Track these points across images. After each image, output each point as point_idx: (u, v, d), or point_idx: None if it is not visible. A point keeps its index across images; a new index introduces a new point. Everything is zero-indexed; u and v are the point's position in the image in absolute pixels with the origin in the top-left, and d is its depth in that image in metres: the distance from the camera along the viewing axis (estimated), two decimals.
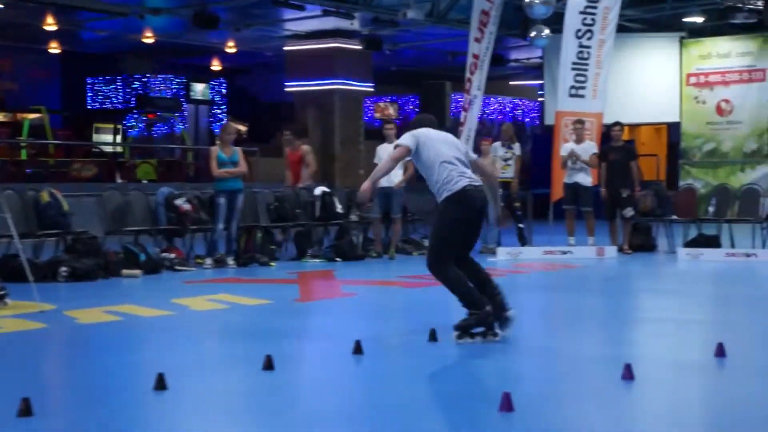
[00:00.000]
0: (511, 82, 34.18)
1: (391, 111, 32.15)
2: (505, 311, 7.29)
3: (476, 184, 7.24)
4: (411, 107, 32.52)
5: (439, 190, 7.20)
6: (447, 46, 26.39)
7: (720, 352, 6.38)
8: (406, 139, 7.30)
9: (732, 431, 4.80)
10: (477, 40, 16.36)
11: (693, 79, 23.19)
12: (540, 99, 32.40)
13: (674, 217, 15.55)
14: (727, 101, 22.78)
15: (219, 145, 13.42)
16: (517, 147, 15.65)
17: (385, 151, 14.56)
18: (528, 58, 29.41)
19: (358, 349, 6.61)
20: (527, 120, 34.78)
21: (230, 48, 26.25)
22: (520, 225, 15.52)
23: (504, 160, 15.49)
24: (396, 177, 14.43)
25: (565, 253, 14.50)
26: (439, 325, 7.33)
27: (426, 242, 15.69)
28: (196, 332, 7.96)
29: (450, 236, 7.23)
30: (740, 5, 21.20)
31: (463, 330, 7.14)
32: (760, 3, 20.62)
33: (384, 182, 14.49)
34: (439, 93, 17.05)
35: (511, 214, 15.68)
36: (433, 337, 7.13)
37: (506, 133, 15.78)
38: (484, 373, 6.30)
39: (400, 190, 14.58)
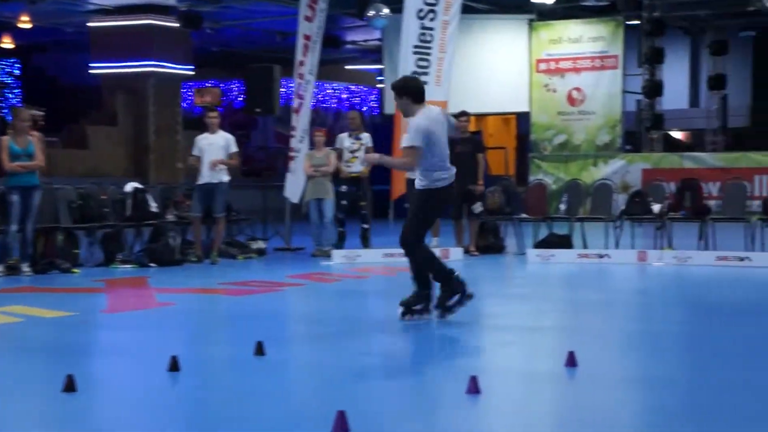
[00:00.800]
0: (347, 67, 34.37)
1: (213, 97, 31.83)
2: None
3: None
4: (236, 93, 32.32)
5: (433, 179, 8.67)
6: (275, 25, 26.33)
7: (571, 361, 6.59)
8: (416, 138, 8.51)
9: None
10: (308, 18, 16.39)
11: (543, 66, 23.88)
12: (379, 85, 32.73)
13: (524, 215, 15.94)
14: (578, 90, 23.57)
15: (11, 135, 12.95)
16: (366, 137, 15.45)
17: (206, 142, 14.43)
18: (366, 40, 29.65)
19: (174, 366, 6.51)
20: (365, 109, 35.05)
21: (24, 23, 25.39)
22: (365, 225, 15.53)
23: (351, 152, 15.42)
24: (221, 172, 14.30)
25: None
26: (267, 337, 7.30)
27: (253, 244, 15.63)
28: None
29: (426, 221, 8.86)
30: None
31: (444, 307, 8.75)
32: None
33: (206, 176, 14.35)
34: (267, 77, 16.94)
35: (356, 213, 15.63)
36: (259, 350, 7.10)
37: (353, 122, 15.63)
38: (314, 390, 6.30)
39: (224, 185, 14.44)
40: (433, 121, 8.73)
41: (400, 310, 8.83)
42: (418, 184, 8.78)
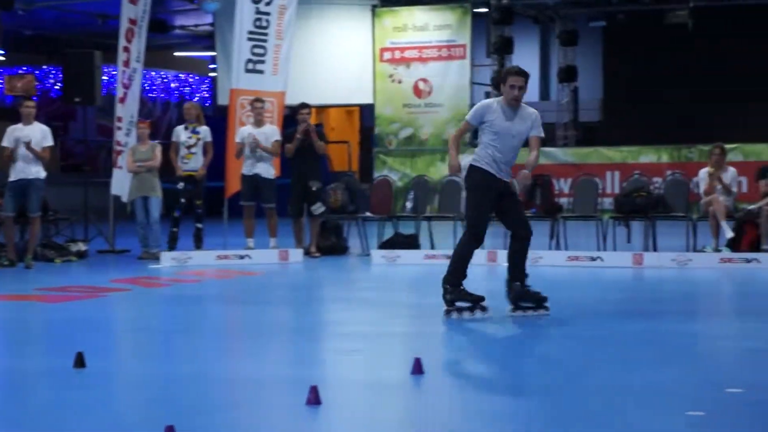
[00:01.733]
0: (176, 53, 33.96)
1: (27, 85, 30.97)
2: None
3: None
4: (52, 81, 31.53)
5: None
6: (95, 6, 25.81)
7: (417, 368, 6.66)
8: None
9: None
10: (132, 1, 16.15)
11: (387, 55, 24.04)
12: (212, 74, 32.45)
13: (368, 214, 16.02)
14: (425, 81, 23.82)
15: None
16: (204, 131, 15.26)
17: (19, 134, 14.04)
18: (196, 25, 29.35)
19: None
20: (196, 99, 34.68)
21: None
22: (198, 225, 15.33)
23: (188, 148, 15.20)
24: (36, 167, 13.95)
25: (242, 257, 14.59)
26: (88, 348, 7.15)
27: (73, 246, 15.30)
28: None
29: None
30: None
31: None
32: None
33: (19, 172, 14.00)
34: (87, 64, 16.58)
35: (192, 212, 15.45)
36: (79, 362, 6.94)
37: (190, 114, 15.37)
38: (140, 403, 6.21)
39: (39, 182, 14.08)
40: None
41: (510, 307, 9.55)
42: (527, 181, 9.53)
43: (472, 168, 9.60)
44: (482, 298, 9.43)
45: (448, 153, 9.89)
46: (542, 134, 9.53)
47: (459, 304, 9.38)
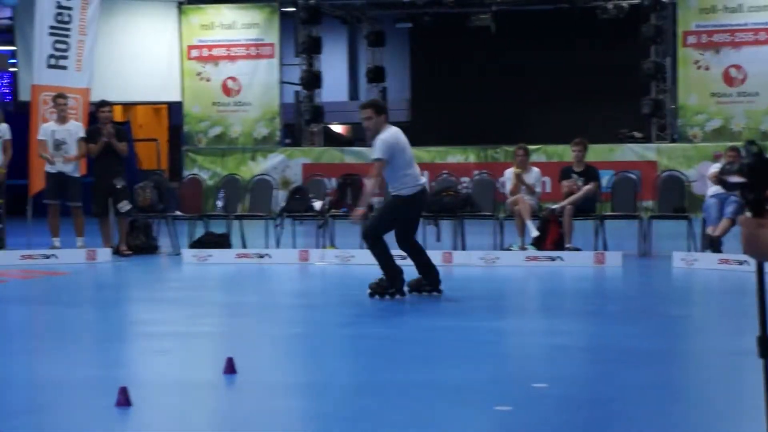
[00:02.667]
0: None
1: None
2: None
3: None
4: None
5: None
6: None
7: (230, 368, 6.62)
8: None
9: None
10: None
11: (195, 53, 23.83)
12: (12, 69, 31.50)
13: (178, 212, 15.84)
14: (233, 79, 23.69)
15: None
16: (3, 129, 14.83)
17: None
18: None
19: None
20: None
21: None
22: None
23: None
24: None
25: (48, 257, 14.21)
26: None
27: None
28: None
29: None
30: None
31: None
32: None
33: None
34: None
35: None
36: None
37: None
38: None
39: None
40: (395, 135, 10.41)
41: (368, 291, 10.41)
42: (393, 192, 10.60)
43: None
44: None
45: None
46: (375, 156, 10.27)
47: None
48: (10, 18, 25.26)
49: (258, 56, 23.69)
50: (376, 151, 10.28)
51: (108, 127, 14.87)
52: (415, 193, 10.51)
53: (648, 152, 21.60)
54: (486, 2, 24.86)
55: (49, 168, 14.64)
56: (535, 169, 14.94)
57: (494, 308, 10.56)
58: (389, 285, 10.40)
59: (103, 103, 15.26)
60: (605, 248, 14.00)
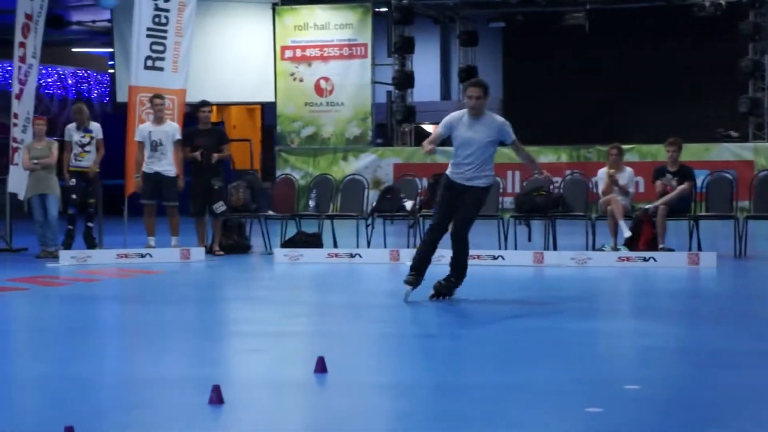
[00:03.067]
0: (74, 50, 33.45)
1: None
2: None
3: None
4: None
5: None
6: None
7: (321, 367, 6.66)
8: None
9: None
10: None
11: (288, 53, 24.00)
12: (110, 71, 32.04)
13: (270, 212, 15.96)
14: (326, 79, 23.81)
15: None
16: (96, 128, 15.24)
17: None
18: (94, 21, 28.93)
19: None
20: (95, 95, 34.20)
21: None
22: (90, 224, 15.23)
23: (81, 146, 15.09)
24: None
25: (143, 256, 14.43)
26: None
27: None
28: None
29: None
30: None
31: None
32: None
33: None
34: None
35: (83, 210, 15.32)
36: None
37: (80, 114, 15.35)
38: (38, 405, 6.12)
39: None
40: None
41: (432, 292, 10.30)
42: (484, 182, 10.22)
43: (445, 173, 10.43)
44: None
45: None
46: (513, 137, 10.33)
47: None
48: (108, 20, 25.71)
49: (351, 56, 23.77)
50: (512, 132, 10.30)
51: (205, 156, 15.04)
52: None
53: (745, 152, 21.25)
54: (580, 1, 24.67)
55: (145, 168, 14.86)
56: (629, 169, 14.77)
57: (585, 309, 10.45)
58: (456, 283, 10.37)
59: (204, 104, 15.48)
60: (699, 249, 13.80)
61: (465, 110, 10.22)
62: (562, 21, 25.46)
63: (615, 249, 14.04)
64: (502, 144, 10.57)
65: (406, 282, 10.25)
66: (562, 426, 5.51)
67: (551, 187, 15.23)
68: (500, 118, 10.30)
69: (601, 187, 14.54)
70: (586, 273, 13.16)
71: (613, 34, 27.21)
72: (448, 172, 10.29)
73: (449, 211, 10.29)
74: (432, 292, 10.26)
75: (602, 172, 14.65)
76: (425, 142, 10.22)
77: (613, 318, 10.12)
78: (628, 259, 13.61)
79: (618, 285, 12.74)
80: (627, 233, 14.00)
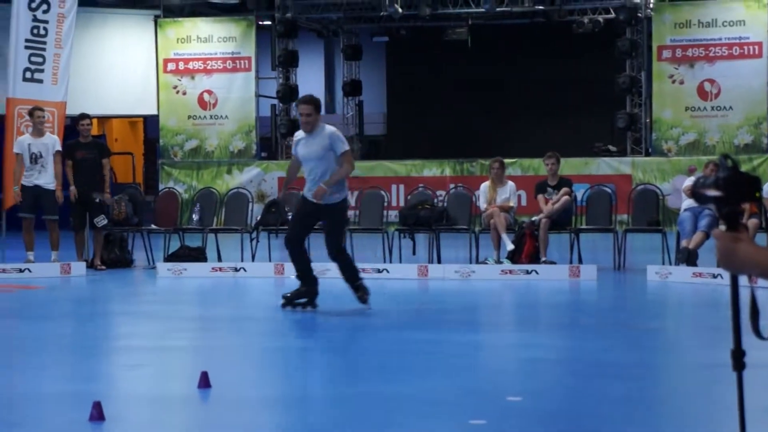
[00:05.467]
0: None
1: None
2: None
3: None
4: None
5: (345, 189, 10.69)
6: None
7: (204, 382, 6.59)
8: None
9: None
10: None
11: (171, 66, 23.81)
12: None
13: (153, 226, 15.80)
14: (210, 92, 23.68)
15: None
16: None
17: None
18: None
19: None
20: None
21: None
22: None
23: None
24: None
25: (22, 270, 14.15)
26: None
27: None
28: None
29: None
30: None
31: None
32: None
33: None
34: None
35: None
36: None
37: None
38: None
39: None
40: None
41: (282, 301, 10.44)
42: (337, 197, 10.36)
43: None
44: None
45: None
46: (345, 148, 10.33)
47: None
48: None
49: (234, 69, 23.69)
50: (341, 143, 10.30)
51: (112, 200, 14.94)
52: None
53: (623, 166, 21.71)
54: (462, 16, 24.93)
55: (24, 181, 14.57)
56: (511, 183, 14.96)
57: (469, 321, 10.56)
58: (305, 294, 10.54)
59: (83, 116, 15.27)
60: (580, 262, 14.01)
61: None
62: (444, 36, 25.72)
63: (498, 262, 14.18)
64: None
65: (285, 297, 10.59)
66: None
67: (435, 200, 15.36)
68: (331, 129, 10.45)
69: (483, 201, 14.67)
70: (469, 286, 13.27)
71: (495, 49, 27.55)
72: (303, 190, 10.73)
73: (304, 223, 10.80)
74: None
75: (484, 186, 14.80)
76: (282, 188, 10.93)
77: (496, 330, 10.23)
78: (510, 272, 13.76)
79: (501, 297, 12.89)
80: (510, 246, 14.16)
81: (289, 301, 10.44)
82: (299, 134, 10.52)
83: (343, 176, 10.47)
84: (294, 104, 25.27)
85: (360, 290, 10.58)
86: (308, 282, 10.50)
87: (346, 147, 10.38)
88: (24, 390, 6.88)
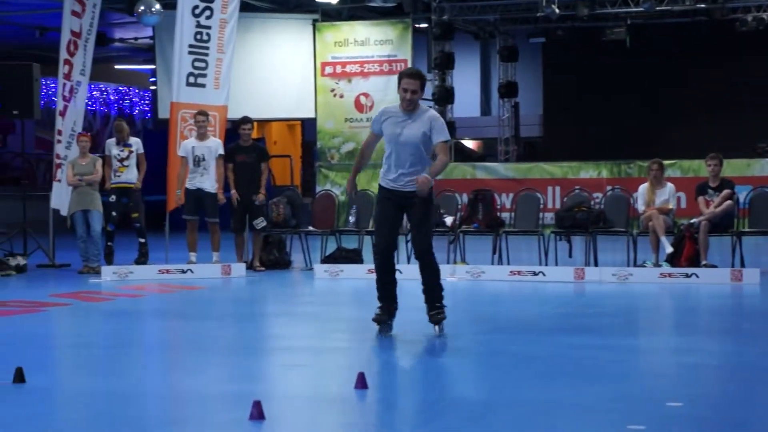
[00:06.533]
0: (116, 66, 33.75)
1: None
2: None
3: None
4: None
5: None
6: (34, 19, 25.59)
7: (361, 383, 6.66)
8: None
9: None
10: (76, 13, 16.08)
11: (329, 69, 24.07)
12: (152, 87, 32.26)
13: (310, 228, 16.01)
14: (366, 95, 23.85)
15: None
16: (136, 142, 15.43)
17: None
18: (136, 38, 29.19)
19: None
20: (136, 112, 34.48)
21: None
22: (142, 240, 15.40)
23: (120, 161, 15.26)
24: None
25: (184, 271, 14.52)
26: (27, 363, 7.08)
27: (12, 260, 15.14)
28: None
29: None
30: None
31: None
32: None
33: None
34: (25, 77, 16.37)
35: (128, 226, 15.49)
36: (19, 377, 6.88)
37: (120, 132, 15.50)
38: (79, 419, 6.15)
39: None
40: None
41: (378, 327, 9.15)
42: (425, 186, 8.66)
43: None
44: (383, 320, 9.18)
45: None
46: (446, 138, 8.84)
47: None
48: (150, 37, 25.89)
49: (391, 72, 23.78)
50: (445, 131, 8.84)
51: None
52: None
53: None
54: (621, 15, 24.60)
55: (188, 184, 14.94)
56: (670, 185, 14.71)
57: (626, 325, 10.41)
58: (386, 312, 9.24)
59: (245, 120, 15.57)
60: (743, 265, 13.68)
61: (396, 104, 9.05)
62: (602, 36, 25.43)
63: (657, 265, 13.96)
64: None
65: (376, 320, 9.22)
66: None
67: (591, 202, 15.20)
68: (434, 112, 9.10)
69: (642, 203, 14.46)
70: (627, 289, 13.09)
71: (654, 49, 27.10)
72: (380, 180, 9.15)
73: (393, 224, 9.14)
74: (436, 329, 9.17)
75: (643, 188, 14.58)
76: (348, 183, 9.40)
77: (654, 334, 10.07)
78: (670, 275, 13.53)
79: (660, 301, 12.66)
80: (669, 249, 13.93)
81: (382, 325, 9.18)
82: (390, 111, 8.97)
83: (444, 168, 9.00)
84: (449, 106, 25.38)
85: (436, 309, 9.17)
86: (390, 300, 9.25)
87: (449, 137, 8.93)
88: (186, 389, 7.05)
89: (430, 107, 9.68)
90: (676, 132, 27.24)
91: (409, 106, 8.74)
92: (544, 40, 28.63)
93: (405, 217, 9.20)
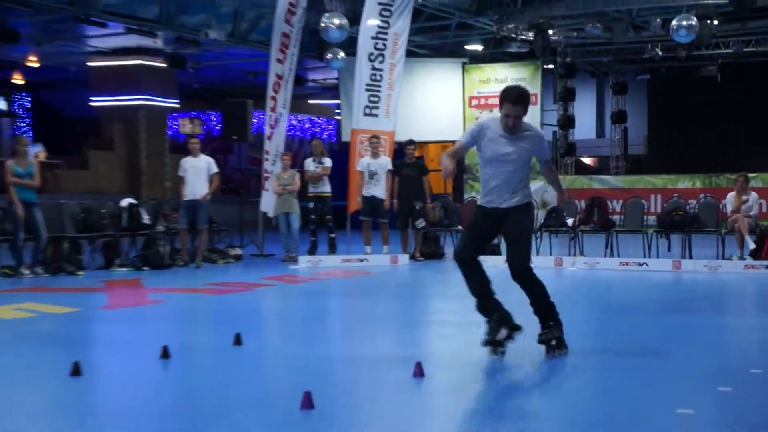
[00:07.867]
0: (309, 101, 34.35)
1: (195, 127, 31.66)
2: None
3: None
4: (214, 123, 32.12)
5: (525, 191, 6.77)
6: (248, 65, 26.26)
7: (498, 350, 6.62)
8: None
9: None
10: (279, 61, 16.40)
11: (474, 102, 24.04)
12: (337, 117, 32.75)
13: (459, 227, 16.02)
14: None
15: (15, 159, 12.81)
16: (327, 161, 15.72)
17: (190, 164, 14.40)
18: (325, 79, 29.67)
19: (165, 354, 6.48)
20: (325, 136, 35.04)
21: (32, 62, 25.07)
22: (332, 235, 15.72)
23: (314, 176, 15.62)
24: (202, 189, 14.29)
25: (361, 260, 14.69)
26: (244, 330, 7.29)
27: (231, 251, 15.57)
28: (1, 341, 7.58)
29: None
30: (513, 36, 22.23)
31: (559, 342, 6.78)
32: (530, 35, 21.65)
33: (191, 194, 14.31)
34: (241, 110, 16.87)
35: (323, 225, 15.80)
36: (237, 341, 7.09)
37: (316, 149, 15.82)
38: (285, 374, 6.30)
39: (205, 202, 14.39)
40: None
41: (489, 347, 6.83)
42: (521, 200, 6.72)
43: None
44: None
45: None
46: (548, 155, 7.00)
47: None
48: (336, 78, 26.29)
49: None
50: (548, 148, 7.21)
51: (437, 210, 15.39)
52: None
53: None
54: (713, 56, 23.89)
55: (364, 192, 15.13)
56: (754, 193, 14.24)
57: (716, 307, 10.10)
58: (501, 322, 6.95)
59: (410, 142, 15.73)
60: None
61: (494, 120, 6.92)
62: (698, 73, 24.73)
63: (742, 258, 13.50)
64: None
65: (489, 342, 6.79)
66: (698, 400, 5.35)
67: (687, 207, 14.81)
68: (539, 130, 7.09)
69: (729, 208, 14.03)
70: (717, 278, 12.69)
71: (741, 83, 26.21)
72: (478, 199, 7.12)
73: (479, 238, 7.06)
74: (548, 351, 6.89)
75: (730, 196, 14.15)
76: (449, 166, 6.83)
77: (740, 315, 9.75)
78: (753, 266, 13.07)
79: (745, 288, 12.22)
80: (752, 246, 13.47)
81: (493, 342, 6.80)
82: (491, 126, 6.81)
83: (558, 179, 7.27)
84: (570, 131, 25.00)
85: (549, 331, 6.89)
86: (493, 307, 7.03)
87: (548, 155, 7.01)
88: (359, 353, 7.11)
89: (541, 128, 7.97)
90: (759, 149, 26.25)
91: (512, 130, 6.67)
92: (649, 77, 28.03)
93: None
